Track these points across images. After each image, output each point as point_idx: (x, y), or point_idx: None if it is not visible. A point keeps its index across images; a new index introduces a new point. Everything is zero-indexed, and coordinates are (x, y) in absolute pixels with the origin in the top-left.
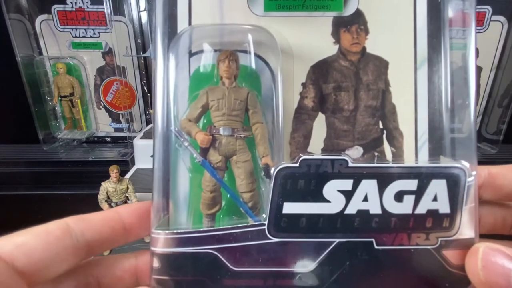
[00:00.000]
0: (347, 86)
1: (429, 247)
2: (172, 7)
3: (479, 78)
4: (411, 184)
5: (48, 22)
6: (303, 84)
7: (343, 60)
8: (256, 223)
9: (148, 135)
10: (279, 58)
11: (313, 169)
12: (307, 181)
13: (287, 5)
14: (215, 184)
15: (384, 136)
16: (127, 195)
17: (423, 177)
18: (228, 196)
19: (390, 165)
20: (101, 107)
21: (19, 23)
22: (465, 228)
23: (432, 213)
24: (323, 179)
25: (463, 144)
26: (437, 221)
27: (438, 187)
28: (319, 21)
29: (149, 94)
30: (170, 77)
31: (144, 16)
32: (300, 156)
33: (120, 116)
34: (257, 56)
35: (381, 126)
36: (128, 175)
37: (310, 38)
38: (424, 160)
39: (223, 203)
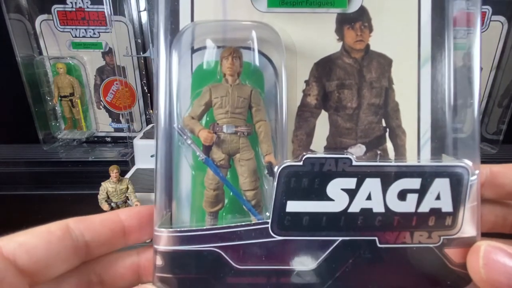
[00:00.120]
0: (351, 83)
1: (431, 245)
2: (175, 2)
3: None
4: (415, 183)
5: (48, 22)
6: (306, 82)
7: (346, 58)
8: (260, 221)
9: (148, 135)
10: (282, 55)
11: (317, 167)
12: (311, 180)
13: (290, 1)
14: (218, 182)
15: (387, 134)
16: (127, 195)
17: (427, 176)
18: (231, 194)
19: (394, 163)
20: (101, 107)
21: (19, 23)
22: (467, 227)
23: (435, 212)
24: (327, 178)
25: (466, 143)
26: (439, 219)
27: (441, 186)
28: (323, 17)
29: (149, 94)
30: (172, 74)
31: (144, 16)
32: (304, 155)
33: (120, 116)
34: (260, 53)
35: (384, 124)
36: (128, 175)
37: (314, 35)
38: (426, 159)
39: (226, 201)
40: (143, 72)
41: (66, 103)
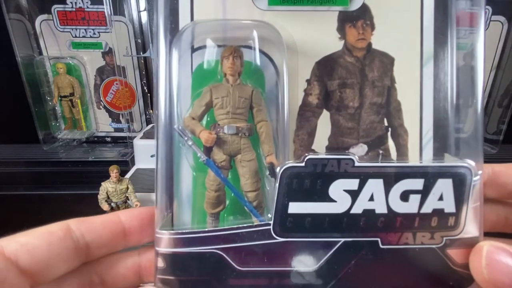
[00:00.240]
0: (352, 82)
1: (434, 246)
2: (174, 1)
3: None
4: (417, 184)
5: (48, 22)
6: (308, 81)
7: (348, 56)
8: (262, 223)
9: (148, 135)
10: (284, 54)
11: (319, 168)
12: (313, 181)
13: None
14: (219, 183)
15: (389, 133)
16: (127, 195)
17: (430, 176)
18: (232, 195)
19: (397, 164)
20: (101, 107)
21: (19, 23)
22: (470, 227)
23: (438, 213)
24: (329, 179)
25: (468, 142)
26: (442, 220)
27: (444, 186)
28: (325, 15)
29: (149, 94)
30: (173, 73)
31: (144, 16)
32: (306, 156)
33: (120, 116)
34: (261, 52)
35: (386, 124)
36: (128, 175)
37: (315, 34)
38: (428, 158)
39: (227, 202)
40: (143, 72)
41: (66, 103)
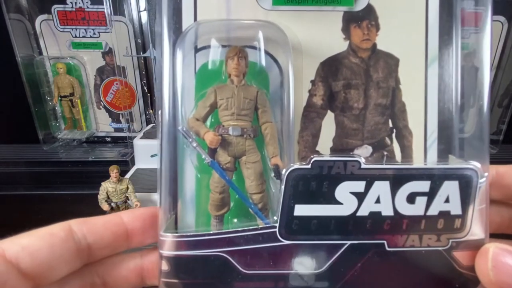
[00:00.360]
0: (357, 83)
1: (440, 248)
2: (177, 0)
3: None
4: (424, 186)
5: (48, 22)
6: (312, 82)
7: (353, 57)
8: (267, 225)
9: (148, 135)
10: (289, 55)
11: (326, 170)
12: (319, 183)
13: None
14: (224, 185)
15: (394, 135)
16: (127, 195)
17: (436, 178)
18: (237, 197)
19: (403, 166)
20: (101, 107)
21: (19, 23)
22: (476, 229)
23: (444, 215)
24: (335, 181)
25: (473, 144)
26: (448, 222)
27: (450, 188)
28: (329, 16)
29: (149, 94)
30: (176, 74)
31: (144, 16)
32: (312, 157)
33: (120, 116)
34: (265, 52)
35: (390, 125)
36: (128, 175)
37: (320, 34)
38: (433, 160)
39: (232, 204)
40: (143, 72)
41: (66, 103)
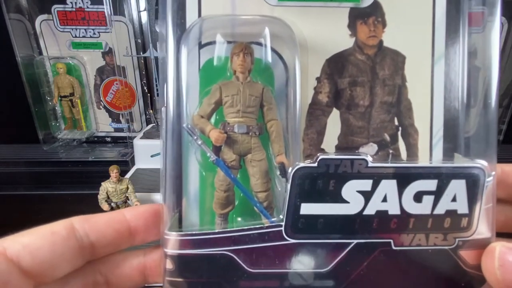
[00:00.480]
0: (363, 81)
1: (446, 247)
2: None
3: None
4: (431, 185)
5: (48, 22)
6: (318, 79)
7: (359, 54)
8: (273, 224)
9: (148, 135)
10: (296, 51)
11: (332, 169)
12: (326, 182)
13: None
14: (229, 184)
15: (399, 133)
16: (127, 195)
17: (443, 177)
18: (241, 195)
19: (410, 165)
20: (101, 107)
21: (19, 23)
22: (482, 228)
23: (451, 214)
24: (342, 179)
25: (480, 142)
26: (455, 221)
27: (457, 187)
28: (335, 12)
29: (149, 94)
30: (181, 70)
31: (144, 16)
32: (319, 156)
33: (120, 116)
34: (271, 48)
35: (396, 123)
36: (128, 175)
37: (326, 30)
38: (438, 158)
39: (236, 202)
40: (143, 72)
41: (66, 103)
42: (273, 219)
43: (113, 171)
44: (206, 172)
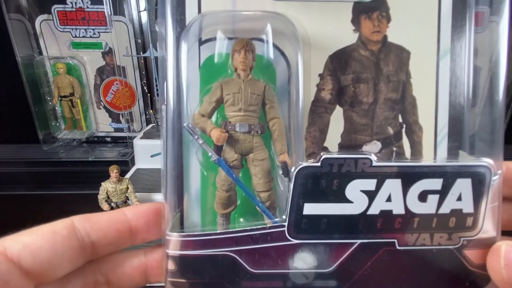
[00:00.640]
0: (367, 77)
1: (451, 247)
2: None
3: (479, 78)
4: (436, 184)
5: (48, 22)
6: (320, 75)
7: (363, 50)
8: (276, 224)
9: (148, 135)
10: (298, 48)
11: (336, 168)
12: (329, 181)
13: None
14: (230, 183)
15: (403, 130)
16: (127, 195)
17: (448, 176)
18: (243, 194)
19: (416, 164)
20: (101, 107)
21: (19, 23)
22: (488, 227)
23: (456, 213)
24: (346, 179)
25: (486, 140)
26: (460, 220)
27: (463, 186)
28: (339, 6)
29: (149, 94)
30: (181, 68)
31: (144, 16)
32: (322, 155)
33: (120, 116)
34: (273, 45)
35: (400, 120)
36: (128, 175)
37: (329, 25)
38: (443, 156)
39: (238, 202)
40: (143, 72)
41: (66, 103)
42: (275, 219)
43: (113, 171)
44: (207, 172)
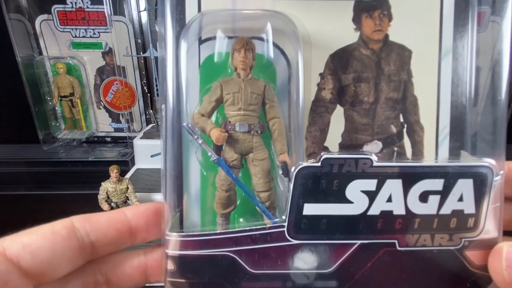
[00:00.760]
0: (368, 76)
1: (452, 247)
2: None
3: (478, 78)
4: (437, 184)
5: (48, 22)
6: (321, 75)
7: (364, 49)
8: (275, 224)
9: (148, 135)
10: (298, 47)
11: (336, 168)
12: (329, 181)
13: None
14: (230, 183)
15: (404, 130)
16: (127, 195)
17: (450, 176)
18: (243, 194)
19: (417, 164)
20: (101, 107)
21: (19, 23)
22: (489, 228)
23: (457, 214)
24: (346, 179)
25: (487, 140)
26: (461, 221)
27: (464, 187)
28: (340, 5)
29: (149, 94)
30: (181, 67)
31: (144, 16)
32: (322, 155)
33: (120, 116)
34: (273, 44)
35: (401, 120)
36: (128, 175)
37: (329, 24)
38: (444, 156)
39: (238, 202)
40: (143, 72)
41: (66, 103)
42: (275, 220)
43: (113, 171)
44: (207, 172)
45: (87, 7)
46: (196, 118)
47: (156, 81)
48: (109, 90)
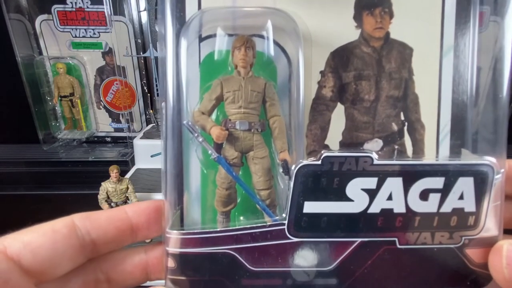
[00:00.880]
0: (369, 74)
1: (452, 246)
2: None
3: (479, 78)
4: (438, 182)
5: (48, 22)
6: (322, 72)
7: (365, 46)
8: (276, 222)
9: (148, 135)
10: (299, 44)
11: (336, 166)
12: (330, 179)
13: None
14: (230, 181)
15: (405, 128)
16: (127, 195)
17: (450, 175)
18: (243, 192)
19: (417, 162)
20: (101, 107)
21: (19, 23)
22: (489, 226)
23: (457, 212)
24: (346, 177)
25: (489, 138)
26: (462, 219)
27: (465, 185)
28: (340, 2)
29: (149, 94)
30: (181, 65)
31: (144, 16)
32: (322, 153)
33: (120, 116)
34: (273, 42)
35: (402, 118)
36: (128, 175)
37: (330, 22)
38: (445, 154)
39: (238, 200)
40: (143, 72)
41: (66, 103)
42: (275, 218)
43: (113, 171)
44: (207, 170)
45: (87, 7)
46: (196, 116)
47: (156, 81)
48: (109, 90)
